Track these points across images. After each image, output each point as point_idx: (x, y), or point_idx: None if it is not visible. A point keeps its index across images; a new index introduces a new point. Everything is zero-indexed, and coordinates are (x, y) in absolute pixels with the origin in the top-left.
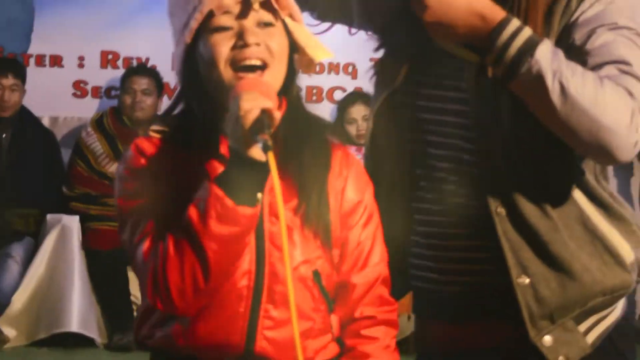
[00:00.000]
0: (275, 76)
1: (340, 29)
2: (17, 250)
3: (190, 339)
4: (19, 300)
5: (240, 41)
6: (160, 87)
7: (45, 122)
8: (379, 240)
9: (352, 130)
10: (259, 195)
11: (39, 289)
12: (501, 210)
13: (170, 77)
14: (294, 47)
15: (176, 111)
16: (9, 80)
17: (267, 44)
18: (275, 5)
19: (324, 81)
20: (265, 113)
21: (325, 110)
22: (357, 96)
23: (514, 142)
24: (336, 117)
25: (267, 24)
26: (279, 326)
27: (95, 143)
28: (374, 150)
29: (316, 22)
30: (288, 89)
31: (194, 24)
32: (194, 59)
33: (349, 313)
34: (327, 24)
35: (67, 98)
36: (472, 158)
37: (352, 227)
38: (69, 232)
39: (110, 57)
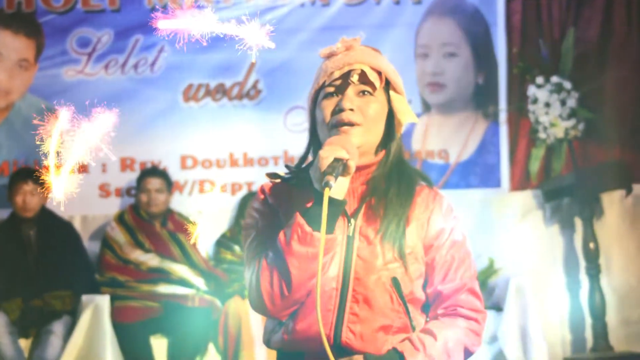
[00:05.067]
0: (366, 134)
1: None
2: (58, 327)
3: (292, 334)
4: None
5: (338, 106)
6: (169, 184)
7: (77, 220)
8: (466, 260)
9: None
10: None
11: (78, 358)
12: None
13: (179, 175)
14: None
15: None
16: (29, 186)
17: (362, 109)
18: (373, 79)
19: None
20: (338, 160)
21: None
22: None
23: None
24: None
25: (366, 93)
26: (361, 322)
27: (119, 235)
28: None
29: (299, 121)
30: (389, 144)
31: (312, 91)
32: (315, 119)
33: (436, 310)
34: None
35: (94, 199)
36: None
37: (439, 249)
38: (101, 310)
39: (128, 162)
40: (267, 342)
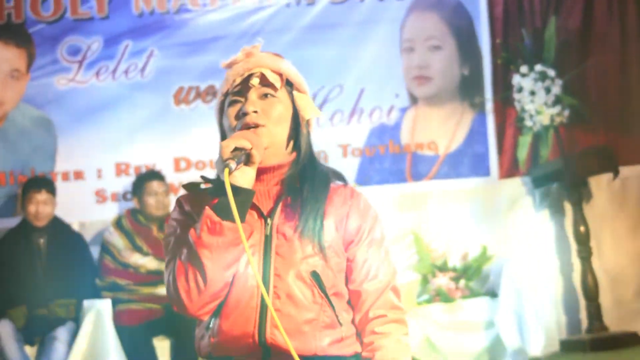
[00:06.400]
0: (271, 133)
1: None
2: (62, 333)
3: (218, 335)
4: None
5: (241, 111)
6: (168, 187)
7: (75, 226)
8: (385, 257)
9: None
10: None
11: None
12: None
13: (173, 178)
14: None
15: None
16: (42, 195)
17: (265, 110)
18: (273, 80)
19: None
20: (239, 149)
21: None
22: None
23: None
24: None
25: (268, 96)
26: (284, 317)
27: (117, 240)
28: None
29: None
30: (298, 143)
31: (218, 101)
32: (223, 129)
33: (365, 315)
34: None
35: (91, 205)
36: None
37: (358, 245)
38: (103, 314)
39: (123, 167)
40: (198, 351)
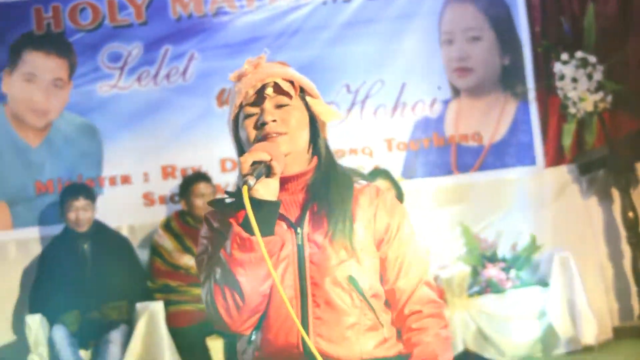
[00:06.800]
0: (292, 141)
1: (354, 118)
2: (115, 336)
3: (262, 349)
4: None
5: (259, 121)
6: (215, 189)
7: (125, 230)
8: (416, 252)
9: None
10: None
11: None
12: None
13: (220, 179)
14: (316, 118)
15: None
16: (81, 202)
17: (283, 119)
18: (287, 89)
19: (347, 163)
20: (258, 162)
21: None
22: (376, 172)
23: None
24: None
25: (284, 105)
26: (326, 324)
27: (167, 242)
28: None
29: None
30: (316, 148)
31: (232, 116)
32: (240, 142)
33: (401, 312)
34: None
35: (139, 208)
36: None
37: (390, 243)
38: (156, 316)
39: (169, 169)
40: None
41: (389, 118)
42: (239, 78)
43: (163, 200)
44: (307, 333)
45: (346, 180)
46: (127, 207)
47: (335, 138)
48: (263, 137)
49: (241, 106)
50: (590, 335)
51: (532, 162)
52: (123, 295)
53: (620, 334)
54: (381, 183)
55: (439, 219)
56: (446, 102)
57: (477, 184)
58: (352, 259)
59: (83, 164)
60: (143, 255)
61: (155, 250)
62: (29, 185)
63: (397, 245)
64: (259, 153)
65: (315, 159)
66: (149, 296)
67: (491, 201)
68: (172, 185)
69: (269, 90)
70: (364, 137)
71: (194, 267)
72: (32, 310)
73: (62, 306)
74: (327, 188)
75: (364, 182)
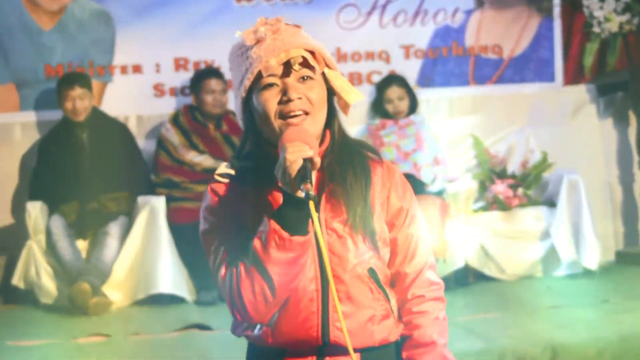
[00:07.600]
0: (315, 121)
1: (373, 22)
2: (114, 228)
3: (278, 338)
4: (119, 268)
5: (285, 97)
6: (226, 85)
7: (132, 120)
8: (422, 234)
9: (389, 108)
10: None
11: (135, 259)
12: None
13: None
14: (332, 91)
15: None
16: (76, 91)
17: (307, 96)
18: (313, 63)
19: (363, 67)
20: (307, 161)
21: (365, 91)
22: (391, 79)
23: None
24: (375, 97)
25: (307, 78)
26: (347, 318)
27: (174, 136)
28: None
29: (352, 19)
30: (331, 125)
31: (247, 83)
32: (251, 110)
33: (404, 296)
34: (361, 20)
35: (149, 99)
36: None
37: (400, 228)
38: (157, 211)
39: (182, 62)
40: (235, 331)
41: (409, 25)
42: (257, 41)
43: (173, 92)
44: (328, 327)
45: (363, 159)
46: (137, 97)
47: (352, 41)
48: (287, 113)
49: (259, 75)
50: (592, 260)
51: (551, 78)
52: (123, 187)
53: (623, 258)
54: (394, 90)
55: (452, 129)
56: (469, 12)
57: (493, 96)
58: (371, 251)
59: (95, 50)
60: (150, 146)
61: (161, 143)
62: (38, 68)
63: (406, 230)
64: (304, 148)
65: (327, 134)
66: (150, 190)
67: (506, 115)
68: (184, 78)
69: (297, 66)
70: (381, 41)
71: (199, 164)
72: (32, 198)
73: (61, 196)
74: (343, 168)
75: (374, 157)
